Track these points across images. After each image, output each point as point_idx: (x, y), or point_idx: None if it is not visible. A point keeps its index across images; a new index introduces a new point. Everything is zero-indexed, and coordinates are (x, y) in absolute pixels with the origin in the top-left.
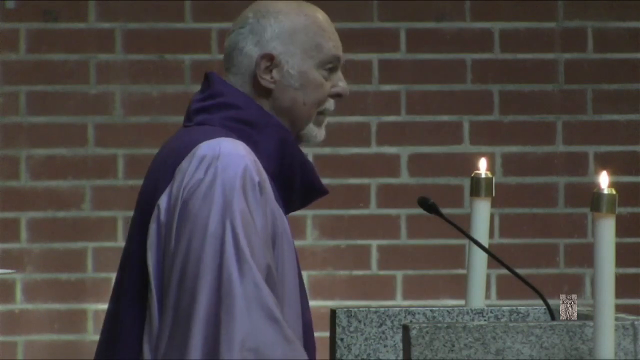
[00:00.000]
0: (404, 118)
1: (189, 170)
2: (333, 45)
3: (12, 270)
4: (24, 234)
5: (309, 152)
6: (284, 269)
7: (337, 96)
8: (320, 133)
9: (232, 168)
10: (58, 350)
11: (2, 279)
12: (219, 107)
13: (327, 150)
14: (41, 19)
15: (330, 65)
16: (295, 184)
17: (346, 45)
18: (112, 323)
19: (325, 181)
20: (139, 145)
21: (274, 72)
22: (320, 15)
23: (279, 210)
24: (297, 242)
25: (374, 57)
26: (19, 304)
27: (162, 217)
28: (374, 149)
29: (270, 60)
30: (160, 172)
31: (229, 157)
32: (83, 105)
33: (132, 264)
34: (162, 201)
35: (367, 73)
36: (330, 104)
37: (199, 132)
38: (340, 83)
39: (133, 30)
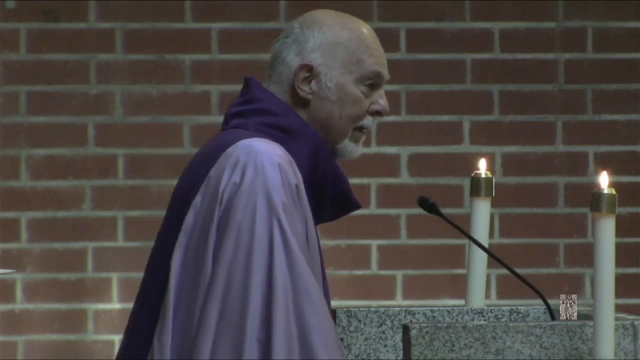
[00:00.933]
0: (404, 118)
1: (225, 172)
2: (374, 61)
3: (12, 270)
4: (24, 234)
5: None
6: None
7: (376, 114)
8: (356, 149)
9: (270, 168)
10: (58, 350)
11: (2, 279)
12: (255, 112)
13: None
14: (41, 19)
15: (371, 82)
16: (327, 195)
17: None
18: (133, 323)
19: None
20: (139, 145)
21: (313, 83)
22: (366, 30)
23: (310, 217)
24: None
25: None
26: (19, 304)
27: (197, 216)
28: (374, 149)
29: (309, 71)
30: (195, 174)
31: (265, 156)
32: (83, 105)
33: (157, 263)
34: (197, 201)
35: None
36: (368, 120)
37: (234, 134)
38: (381, 101)
39: (133, 30)
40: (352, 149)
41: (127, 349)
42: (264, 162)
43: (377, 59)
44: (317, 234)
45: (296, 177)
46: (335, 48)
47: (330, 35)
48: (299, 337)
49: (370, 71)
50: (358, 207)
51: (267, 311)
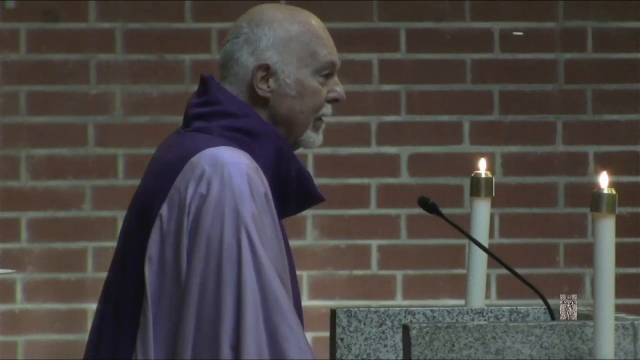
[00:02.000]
0: (404, 118)
1: (191, 184)
2: (328, 51)
3: (12, 270)
4: (24, 234)
5: (308, 152)
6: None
7: (334, 101)
8: (318, 138)
9: (238, 177)
10: (58, 350)
11: (2, 279)
12: (216, 115)
13: (327, 150)
14: (41, 19)
15: (327, 72)
16: (291, 191)
17: (346, 45)
18: (99, 323)
19: (325, 181)
20: (139, 145)
21: (270, 81)
22: (314, 22)
23: (277, 221)
24: (297, 242)
25: (374, 57)
26: (19, 304)
27: (165, 227)
28: (374, 149)
29: (266, 69)
30: (160, 179)
31: (233, 166)
32: (83, 105)
33: (126, 267)
34: (164, 210)
35: (367, 73)
36: (327, 109)
37: (198, 140)
38: (337, 88)
39: (133, 30)
40: (314, 138)
41: (93, 349)
42: (231, 173)
43: (330, 49)
44: (284, 233)
45: (264, 184)
46: (288, 43)
47: (281, 31)
48: (269, 343)
49: (326, 62)
50: (321, 199)
51: (237, 320)
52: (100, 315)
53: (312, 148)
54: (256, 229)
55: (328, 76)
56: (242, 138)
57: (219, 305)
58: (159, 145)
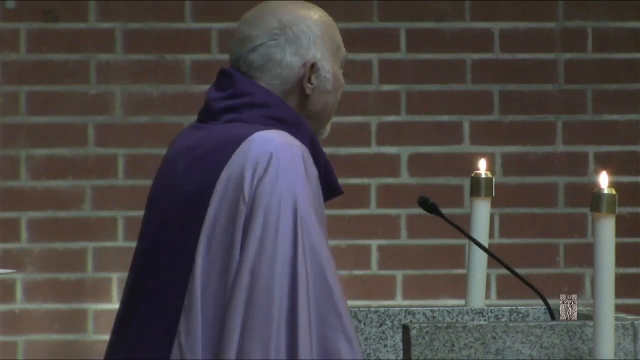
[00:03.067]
0: (404, 118)
1: (247, 167)
2: (342, 43)
3: (12, 270)
4: (24, 234)
5: None
6: None
7: None
8: (328, 130)
9: (293, 160)
10: (58, 350)
11: (2, 279)
12: (248, 106)
13: (327, 150)
14: (41, 19)
15: (344, 63)
16: (322, 182)
17: (346, 45)
18: (140, 323)
19: None
20: (139, 145)
21: (313, 78)
22: (327, 14)
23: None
24: None
25: (374, 57)
26: (19, 303)
27: (215, 214)
28: (374, 149)
29: (312, 67)
30: (205, 168)
31: (287, 149)
32: (83, 105)
33: (166, 264)
34: (215, 199)
35: (367, 73)
36: None
37: (240, 127)
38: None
39: (133, 30)
40: (328, 130)
41: (139, 350)
42: (286, 155)
43: (341, 40)
44: None
45: (314, 167)
46: (323, 39)
47: (315, 27)
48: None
49: (345, 53)
50: (341, 192)
51: (292, 306)
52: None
53: (322, 139)
54: (314, 213)
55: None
56: (279, 126)
57: (272, 288)
58: (172, 142)
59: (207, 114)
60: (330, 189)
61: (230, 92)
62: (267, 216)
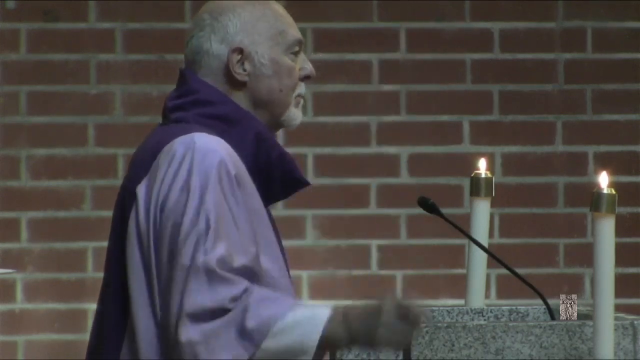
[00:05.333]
0: (404, 118)
1: (164, 165)
2: (294, 30)
3: (12, 270)
4: (24, 234)
5: (308, 152)
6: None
7: (306, 78)
8: (299, 114)
9: (208, 161)
10: (58, 350)
11: (2, 279)
12: (193, 104)
13: (327, 150)
14: (41, 19)
15: (296, 49)
16: (274, 177)
17: (346, 45)
18: (99, 324)
19: (325, 181)
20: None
21: (246, 64)
22: (273, 3)
23: (260, 204)
24: (297, 242)
25: (374, 57)
26: (19, 303)
27: (141, 206)
28: (374, 149)
29: (240, 53)
30: (137, 169)
31: (204, 151)
32: (83, 105)
33: (112, 261)
34: (140, 191)
35: (367, 73)
36: (302, 87)
37: (174, 129)
38: (306, 65)
39: (133, 30)
40: (296, 115)
41: (95, 352)
42: (200, 156)
43: (294, 27)
44: (269, 213)
45: (236, 167)
46: (255, 25)
47: (245, 14)
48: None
49: (295, 39)
50: (307, 184)
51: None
52: (97, 315)
53: (294, 126)
54: (216, 214)
55: (297, 54)
56: (219, 125)
57: (171, 285)
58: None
59: (162, 114)
60: (290, 182)
61: (181, 91)
62: (175, 214)
